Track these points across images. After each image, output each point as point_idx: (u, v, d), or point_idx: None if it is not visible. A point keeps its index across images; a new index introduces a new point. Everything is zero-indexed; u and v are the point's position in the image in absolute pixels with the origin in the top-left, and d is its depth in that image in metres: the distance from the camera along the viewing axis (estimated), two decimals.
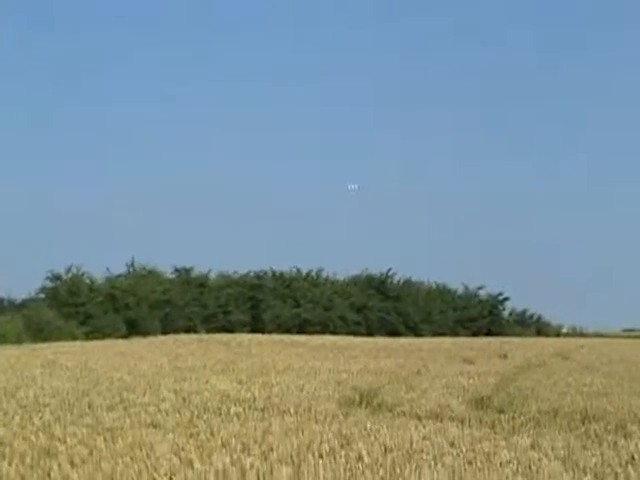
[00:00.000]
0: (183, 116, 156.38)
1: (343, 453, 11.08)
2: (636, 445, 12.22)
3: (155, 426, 13.87)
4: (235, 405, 16.88)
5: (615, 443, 12.51)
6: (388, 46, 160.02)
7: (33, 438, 12.37)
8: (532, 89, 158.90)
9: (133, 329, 77.67)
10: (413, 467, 10.15)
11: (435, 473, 9.82)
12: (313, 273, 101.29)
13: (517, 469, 10.16)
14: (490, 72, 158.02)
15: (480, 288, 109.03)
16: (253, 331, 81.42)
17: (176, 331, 76.42)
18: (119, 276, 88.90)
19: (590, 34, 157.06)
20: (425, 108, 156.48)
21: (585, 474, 9.87)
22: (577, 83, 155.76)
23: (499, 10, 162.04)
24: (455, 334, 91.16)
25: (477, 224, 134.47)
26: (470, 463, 10.56)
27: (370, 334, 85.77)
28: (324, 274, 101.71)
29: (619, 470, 10.15)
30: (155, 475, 9.41)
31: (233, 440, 12.08)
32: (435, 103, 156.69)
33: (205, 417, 14.97)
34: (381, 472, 9.84)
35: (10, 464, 10.19)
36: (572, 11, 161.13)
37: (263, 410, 16.27)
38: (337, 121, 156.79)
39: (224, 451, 11.11)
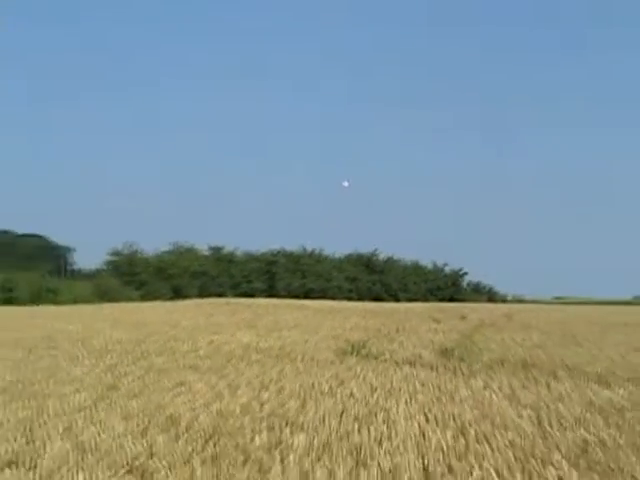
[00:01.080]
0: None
1: (339, 391, 11.11)
2: (564, 386, 12.28)
3: (194, 368, 13.92)
4: (255, 353, 16.92)
5: (548, 384, 12.54)
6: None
7: (102, 376, 12.45)
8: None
9: (176, 293, 77.79)
10: (393, 402, 10.21)
11: (410, 406, 9.89)
12: (316, 252, 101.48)
13: (473, 403, 10.21)
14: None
15: (445, 265, 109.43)
16: (269, 296, 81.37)
17: (210, 295, 76.40)
18: (166, 252, 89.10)
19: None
20: (408, 107, 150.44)
21: (525, 408, 9.91)
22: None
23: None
24: (426, 300, 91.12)
25: (444, 213, 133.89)
26: (437, 399, 10.61)
27: (360, 299, 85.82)
28: (325, 253, 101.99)
29: (551, 405, 10.20)
30: (194, 406, 9.47)
31: (254, 380, 12.13)
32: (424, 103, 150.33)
33: (232, 362, 14.99)
34: (368, 406, 9.90)
35: (84, 395, 10.27)
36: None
37: (277, 357, 16.30)
38: (333, 120, 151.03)
39: (247, 388, 11.16)
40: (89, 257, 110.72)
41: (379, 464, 6.77)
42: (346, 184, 62.94)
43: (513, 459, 7.08)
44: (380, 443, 7.60)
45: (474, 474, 6.52)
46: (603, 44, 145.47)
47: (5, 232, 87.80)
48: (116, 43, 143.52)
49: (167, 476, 6.41)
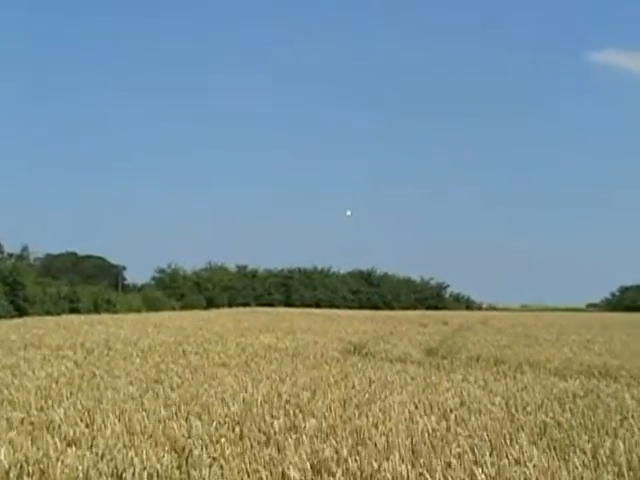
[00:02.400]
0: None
1: (343, 384, 11.11)
2: (527, 378, 12.25)
3: (224, 365, 13.91)
4: (274, 352, 16.91)
5: (515, 377, 12.51)
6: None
7: (148, 372, 12.46)
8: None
9: (210, 304, 77.75)
10: (387, 392, 10.19)
11: (401, 395, 9.86)
12: (325, 269, 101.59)
13: (454, 393, 10.17)
14: None
15: (431, 279, 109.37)
16: (286, 306, 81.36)
17: (237, 305, 76.43)
18: (201, 269, 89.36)
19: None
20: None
21: (496, 396, 9.89)
22: None
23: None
24: (415, 308, 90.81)
25: (429, 235, 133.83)
26: (424, 390, 10.58)
27: (361, 308, 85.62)
28: (332, 269, 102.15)
29: (517, 394, 10.17)
30: (223, 396, 9.46)
31: (273, 375, 12.12)
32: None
33: (255, 360, 14.99)
34: (367, 395, 9.88)
35: (133, 387, 10.28)
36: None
37: (292, 356, 16.28)
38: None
39: (267, 381, 11.15)
40: (138, 274, 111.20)
41: (375, 443, 6.75)
42: (349, 213, 62.82)
43: (487, 438, 7.06)
44: (376, 426, 7.57)
45: (453, 451, 6.50)
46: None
47: (72, 253, 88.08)
48: None
49: (202, 453, 6.40)
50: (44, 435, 7.03)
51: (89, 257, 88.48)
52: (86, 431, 7.23)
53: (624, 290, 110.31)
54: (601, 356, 17.40)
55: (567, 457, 6.41)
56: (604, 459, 6.32)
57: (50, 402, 8.99)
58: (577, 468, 5.96)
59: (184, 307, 70.76)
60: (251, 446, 6.76)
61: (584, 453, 6.53)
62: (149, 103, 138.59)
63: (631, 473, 5.98)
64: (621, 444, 6.61)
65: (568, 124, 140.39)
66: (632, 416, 8.30)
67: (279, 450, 6.59)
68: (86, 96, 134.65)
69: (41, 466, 6.08)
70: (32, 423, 7.75)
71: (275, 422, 7.65)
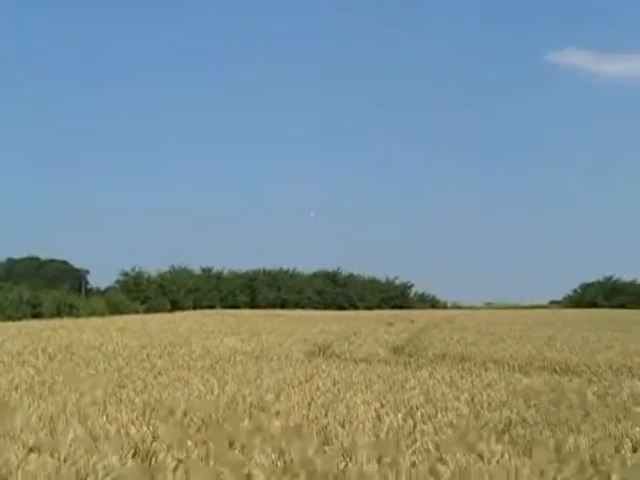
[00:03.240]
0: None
1: (307, 385, 11.08)
2: (492, 375, 12.34)
3: (189, 368, 13.82)
4: (239, 355, 16.85)
5: (480, 374, 12.60)
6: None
7: (112, 376, 12.31)
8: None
9: (174, 307, 77.35)
10: (352, 392, 10.19)
11: (367, 395, 9.87)
12: (290, 269, 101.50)
13: (420, 391, 10.21)
14: None
15: (396, 278, 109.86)
16: (251, 307, 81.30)
17: (202, 308, 76.15)
18: (166, 272, 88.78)
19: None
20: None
21: (462, 393, 9.94)
22: None
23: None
24: (380, 308, 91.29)
25: (392, 235, 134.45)
26: (390, 388, 10.60)
27: (326, 309, 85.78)
28: (297, 270, 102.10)
29: (482, 391, 10.24)
30: (189, 398, 9.39)
31: (238, 377, 12.07)
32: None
33: (220, 363, 14.91)
34: (331, 396, 9.87)
35: (97, 392, 10.15)
36: None
37: (257, 358, 16.23)
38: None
39: (232, 384, 11.09)
40: (101, 277, 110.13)
41: (341, 442, 6.74)
42: (313, 214, 62.81)
43: (452, 435, 7.09)
44: (342, 425, 7.57)
45: (418, 448, 6.51)
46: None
47: (34, 258, 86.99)
48: None
49: (167, 456, 6.34)
50: (5, 442, 6.90)
51: (52, 261, 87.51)
52: (48, 438, 7.11)
53: (585, 287, 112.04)
54: (563, 352, 17.63)
55: (531, 453, 6.46)
56: (567, 454, 6.38)
57: (10, 409, 8.83)
58: (540, 463, 6.00)
59: (148, 310, 70.33)
60: (217, 448, 6.70)
61: (548, 449, 6.59)
62: (108, 101, 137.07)
63: (594, 467, 6.05)
64: (584, 439, 6.68)
65: (526, 123, 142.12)
66: (594, 411, 8.39)
67: (245, 451, 6.55)
68: (45, 95, 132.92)
69: (1, 473, 5.97)
70: None
71: (240, 424, 7.61)
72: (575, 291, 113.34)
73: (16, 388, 10.71)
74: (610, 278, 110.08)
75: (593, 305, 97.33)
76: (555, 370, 13.87)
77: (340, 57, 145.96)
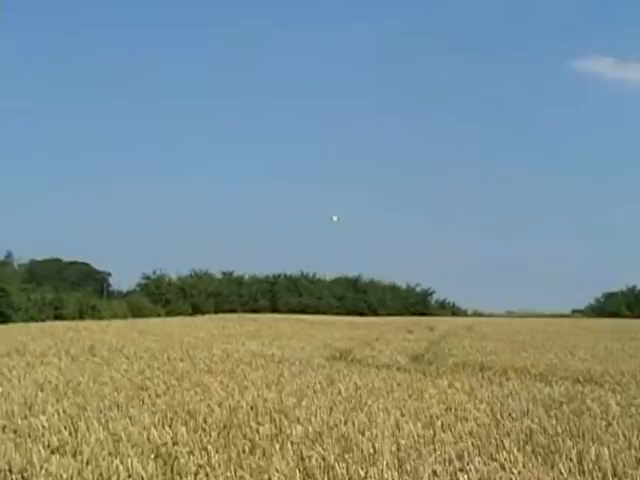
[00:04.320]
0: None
1: (329, 390, 11.08)
2: (513, 384, 12.26)
3: (210, 372, 13.86)
4: (260, 359, 16.87)
5: (500, 383, 12.52)
6: None
7: (134, 378, 12.38)
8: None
9: (195, 310, 77.66)
10: (373, 398, 10.18)
11: (387, 402, 9.85)
12: (310, 275, 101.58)
13: (439, 399, 10.17)
14: None
15: (417, 285, 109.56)
16: (272, 312, 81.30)
17: (223, 312, 76.28)
18: (187, 276, 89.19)
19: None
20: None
21: (482, 403, 9.89)
22: None
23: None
24: (401, 315, 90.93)
25: (414, 241, 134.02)
26: (410, 396, 10.57)
27: (347, 314, 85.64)
28: (318, 275, 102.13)
29: (502, 400, 10.19)
30: (209, 403, 9.42)
31: (259, 381, 12.08)
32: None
33: (241, 367, 14.93)
34: (353, 401, 9.86)
35: (119, 394, 10.22)
36: None
37: (278, 362, 16.25)
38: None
39: (253, 388, 11.11)
40: (123, 280, 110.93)
41: (362, 449, 6.74)
42: (335, 219, 62.19)
43: (471, 445, 7.06)
44: (363, 432, 7.56)
45: (439, 457, 6.50)
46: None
47: (56, 260, 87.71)
48: None
49: (188, 460, 6.37)
50: (27, 443, 6.97)
51: (74, 263, 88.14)
52: (70, 439, 7.18)
53: (608, 296, 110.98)
54: (585, 362, 17.47)
55: (552, 463, 6.42)
56: (589, 465, 6.33)
57: (34, 409, 8.92)
58: (562, 474, 5.97)
59: (169, 313, 70.66)
60: (237, 453, 6.73)
61: (569, 459, 6.54)
62: (130, 101, 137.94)
63: (616, 479, 6.00)
64: (606, 450, 6.63)
65: (551, 131, 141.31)
66: (617, 422, 8.32)
67: (265, 457, 6.57)
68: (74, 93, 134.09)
69: (25, 474, 6.04)
70: (15, 431, 7.69)
71: (261, 429, 7.63)
72: (598, 300, 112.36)
73: (40, 389, 10.82)
74: (634, 288, 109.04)
75: (616, 315, 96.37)
76: (578, 380, 13.75)
77: (361, 61, 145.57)
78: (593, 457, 6.52)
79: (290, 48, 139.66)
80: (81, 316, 53.79)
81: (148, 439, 7.17)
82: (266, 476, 5.97)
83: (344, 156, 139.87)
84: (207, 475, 6.01)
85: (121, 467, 6.01)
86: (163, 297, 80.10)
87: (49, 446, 6.93)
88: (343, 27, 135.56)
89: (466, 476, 5.79)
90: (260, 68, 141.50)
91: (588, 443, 7.14)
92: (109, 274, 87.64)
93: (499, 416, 8.78)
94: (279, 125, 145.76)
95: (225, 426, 7.92)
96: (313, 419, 8.29)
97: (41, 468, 6.03)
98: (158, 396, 10.18)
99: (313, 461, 6.33)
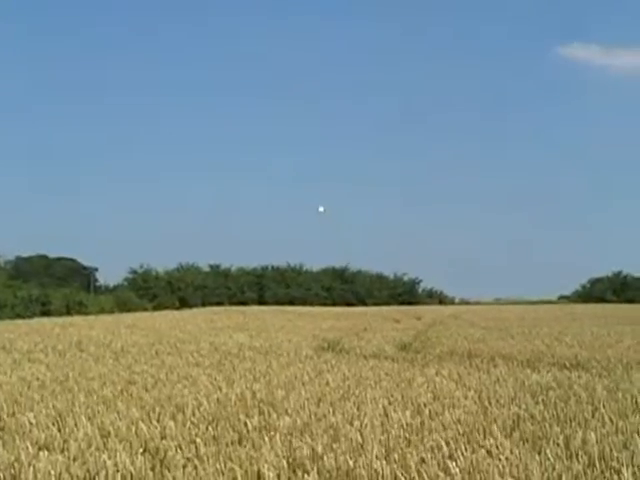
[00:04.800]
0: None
1: (317, 381, 11.10)
2: (500, 371, 12.33)
3: (197, 365, 13.85)
4: (248, 351, 16.87)
5: (488, 370, 12.58)
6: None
7: (122, 373, 12.36)
8: None
9: (183, 304, 77.45)
10: (362, 388, 10.20)
11: (376, 391, 9.88)
12: (298, 266, 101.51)
13: (427, 388, 10.21)
14: None
15: (404, 274, 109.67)
16: (260, 304, 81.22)
17: (210, 305, 76.15)
18: (174, 270, 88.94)
19: None
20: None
21: (469, 390, 9.94)
22: None
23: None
24: (388, 304, 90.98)
25: (401, 231, 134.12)
26: (398, 385, 10.61)
27: (334, 305, 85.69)
28: (305, 267, 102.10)
29: (490, 387, 10.24)
30: (197, 396, 9.41)
31: (247, 374, 12.09)
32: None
33: (229, 359, 14.94)
34: (341, 392, 9.88)
35: (107, 389, 10.19)
36: None
37: (266, 354, 16.26)
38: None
39: (241, 381, 11.12)
40: (110, 275, 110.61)
41: (350, 439, 6.76)
42: (322, 209, 61.79)
43: (459, 432, 7.10)
44: (351, 422, 7.58)
45: (427, 445, 6.52)
46: None
47: (42, 256, 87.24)
48: None
49: (176, 454, 6.37)
50: (15, 440, 6.94)
51: (60, 259, 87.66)
52: (58, 435, 7.16)
53: (594, 282, 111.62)
54: (572, 348, 17.59)
55: (540, 449, 6.47)
56: (576, 450, 6.38)
57: (21, 406, 8.89)
58: (549, 459, 6.01)
59: (157, 307, 70.42)
60: (226, 445, 6.73)
61: (557, 445, 6.59)
62: (113, 102, 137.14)
63: (602, 463, 6.05)
64: (593, 435, 6.68)
65: (538, 118, 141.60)
66: (603, 406, 8.39)
67: (254, 448, 6.58)
68: (52, 94, 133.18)
69: (12, 471, 6.02)
70: (2, 428, 7.66)
71: (249, 421, 7.63)
72: (584, 286, 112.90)
73: (28, 385, 10.78)
74: (619, 273, 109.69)
75: (602, 300, 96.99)
76: (565, 366, 13.84)
77: (362, 62, 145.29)
78: (580, 442, 6.57)
79: (290, 48, 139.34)
80: (68, 312, 53.50)
81: (136, 433, 7.17)
82: (255, 467, 5.98)
83: (328, 148, 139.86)
84: (196, 468, 6.01)
85: (109, 462, 5.99)
86: (150, 291, 79.78)
87: (37, 443, 6.91)
88: (342, 26, 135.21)
89: (454, 463, 5.81)
90: (260, 68, 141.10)
91: (575, 428, 7.19)
92: (96, 269, 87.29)
93: (487, 403, 8.83)
94: (264, 120, 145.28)
95: (213, 419, 7.93)
96: (301, 410, 8.31)
97: (29, 465, 6.00)
98: (146, 390, 10.17)
99: (302, 452, 6.34)
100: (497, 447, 6.37)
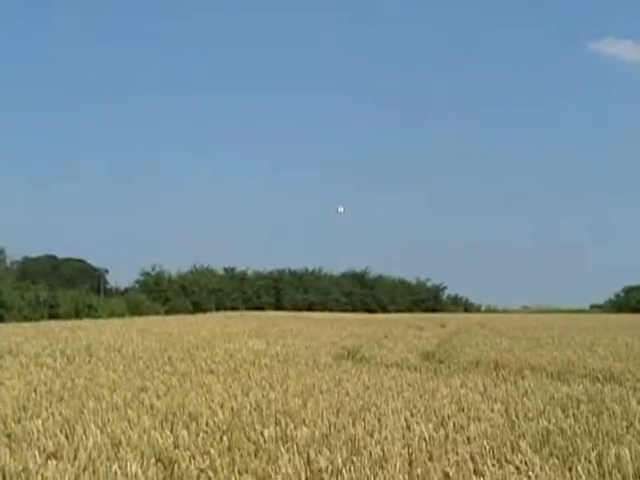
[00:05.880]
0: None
1: (336, 390, 11.09)
2: (528, 383, 12.25)
3: (211, 372, 13.88)
4: (264, 358, 16.89)
5: (515, 382, 12.51)
6: None
7: (132, 379, 12.42)
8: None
9: (196, 308, 77.75)
10: (383, 399, 10.19)
11: (397, 402, 9.86)
12: (316, 270, 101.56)
13: (452, 399, 10.18)
14: None
15: (427, 280, 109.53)
16: (276, 309, 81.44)
17: (225, 309, 76.49)
18: (187, 272, 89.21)
19: None
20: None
21: (496, 402, 9.89)
22: None
23: None
24: (411, 311, 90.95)
25: (425, 235, 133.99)
26: (420, 396, 10.57)
27: (354, 311, 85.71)
28: (324, 270, 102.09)
29: (518, 400, 10.18)
30: (211, 404, 9.44)
31: (263, 382, 12.10)
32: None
33: (244, 366, 14.96)
34: (361, 402, 9.87)
35: (117, 396, 10.24)
36: None
37: (283, 362, 16.26)
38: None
39: (257, 389, 11.13)
40: (121, 277, 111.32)
41: (370, 452, 6.75)
42: (341, 210, 61.84)
43: (485, 446, 7.06)
44: (371, 434, 7.57)
45: (451, 459, 6.50)
46: None
47: (51, 257, 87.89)
48: None
49: (189, 465, 6.39)
50: (23, 448, 7.00)
51: (69, 260, 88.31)
52: (67, 443, 7.20)
53: (629, 290, 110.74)
54: (605, 359, 17.44)
55: (571, 465, 6.42)
56: (609, 467, 6.33)
57: (29, 413, 8.95)
58: (581, 477, 5.97)
59: (169, 311, 70.80)
60: (241, 456, 6.75)
61: (588, 461, 6.54)
62: (124, 101, 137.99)
63: None
64: (627, 451, 6.62)
65: (571, 117, 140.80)
66: (638, 421, 8.31)
67: (270, 460, 6.59)
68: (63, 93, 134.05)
69: None
70: (9, 435, 7.72)
71: (265, 431, 7.64)
72: (618, 295, 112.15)
73: (35, 391, 10.85)
74: None
75: (637, 310, 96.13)
76: (597, 378, 13.74)
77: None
78: (613, 459, 6.52)
79: (289, 49, 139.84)
80: (77, 315, 53.95)
81: (148, 443, 7.19)
82: None
83: (346, 149, 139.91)
84: (210, 479, 6.03)
85: (120, 472, 6.03)
86: (163, 294, 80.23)
87: (45, 451, 6.95)
88: (342, 27, 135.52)
89: (480, 479, 5.79)
90: (258, 68, 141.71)
91: (608, 444, 7.13)
92: (106, 271, 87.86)
93: (514, 416, 8.78)
94: (279, 121, 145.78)
95: (228, 428, 7.94)
96: (320, 421, 8.31)
97: (37, 474, 6.05)
98: (158, 398, 10.20)
99: (320, 464, 6.34)
100: (526, 463, 6.34)
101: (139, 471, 6.08)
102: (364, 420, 8.37)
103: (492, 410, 9.25)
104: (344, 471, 6.12)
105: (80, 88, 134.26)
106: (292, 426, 7.95)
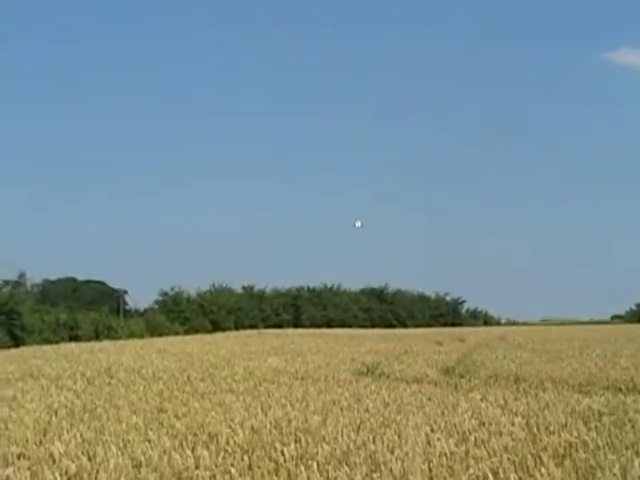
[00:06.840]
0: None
1: (356, 407, 11.06)
2: (549, 396, 12.17)
3: (231, 391, 13.88)
4: (283, 376, 16.87)
5: (536, 395, 12.43)
6: None
7: (152, 400, 12.44)
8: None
9: (215, 327, 77.77)
10: (403, 414, 10.14)
11: (417, 417, 9.81)
12: (335, 287, 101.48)
13: (472, 414, 10.12)
14: None
15: (446, 294, 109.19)
16: (295, 326, 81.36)
17: (244, 328, 76.47)
18: (206, 292, 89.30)
19: None
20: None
21: (517, 416, 9.82)
22: None
23: None
24: (430, 326, 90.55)
25: (444, 250, 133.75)
26: (441, 411, 10.51)
27: (373, 327, 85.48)
28: (342, 287, 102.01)
29: (539, 413, 10.11)
30: (231, 424, 9.43)
31: (282, 400, 12.08)
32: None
33: (264, 385, 14.94)
34: (381, 418, 9.83)
35: (137, 417, 10.26)
36: None
37: (302, 379, 16.23)
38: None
39: (276, 407, 11.11)
40: (140, 298, 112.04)
41: (391, 469, 6.72)
42: (359, 224, 61.69)
43: (507, 461, 7.01)
44: (392, 451, 7.53)
45: (472, 475, 6.46)
46: None
47: (71, 279, 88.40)
48: None
49: None
50: (44, 470, 7.01)
51: (89, 282, 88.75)
52: (88, 465, 7.22)
53: None
54: (627, 370, 17.29)
55: (594, 479, 6.36)
56: None
57: (49, 435, 8.98)
58: None
59: (189, 331, 70.83)
60: (261, 475, 6.74)
61: (613, 474, 6.48)
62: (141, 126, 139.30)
63: None
64: None
65: (587, 126, 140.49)
66: None
67: (290, 479, 6.57)
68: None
69: None
70: (29, 458, 7.74)
71: (285, 449, 7.62)
72: (639, 305, 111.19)
73: (55, 413, 10.89)
74: None
75: None
76: (619, 390, 13.63)
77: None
78: (638, 471, 6.45)
79: (289, 50, 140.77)
80: (97, 336, 54.03)
81: (169, 463, 7.20)
82: None
83: (360, 161, 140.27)
84: None
85: None
86: (182, 314, 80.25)
87: (66, 473, 6.98)
88: (343, 33, 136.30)
89: None
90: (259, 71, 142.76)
91: (632, 457, 7.06)
92: (125, 292, 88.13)
93: (535, 430, 8.72)
94: (293, 137, 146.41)
95: (248, 448, 7.93)
96: (340, 438, 8.28)
97: None
98: (178, 418, 10.21)
99: None
100: (548, 476, 6.29)
101: None
102: (384, 437, 8.33)
103: (513, 424, 9.18)
104: None
105: (92, 102, 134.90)
106: (312, 444, 7.94)
